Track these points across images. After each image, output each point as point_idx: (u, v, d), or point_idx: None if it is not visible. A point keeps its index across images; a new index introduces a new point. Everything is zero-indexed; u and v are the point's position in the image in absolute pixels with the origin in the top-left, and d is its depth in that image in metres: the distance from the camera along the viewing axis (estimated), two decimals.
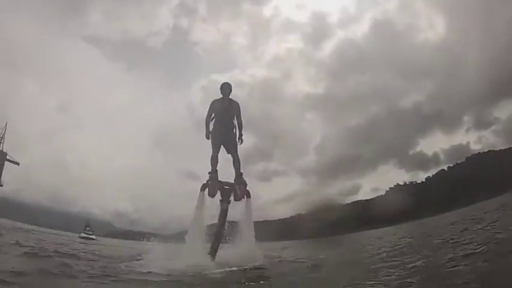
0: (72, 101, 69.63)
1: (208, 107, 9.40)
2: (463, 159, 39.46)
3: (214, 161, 9.09)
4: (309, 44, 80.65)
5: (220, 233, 8.82)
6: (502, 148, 36.66)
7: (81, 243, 19.34)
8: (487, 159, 34.12)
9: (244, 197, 9.13)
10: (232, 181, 9.17)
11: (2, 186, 41.44)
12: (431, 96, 50.97)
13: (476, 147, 42.89)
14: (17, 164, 42.57)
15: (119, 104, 71.33)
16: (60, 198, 50.63)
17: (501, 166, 28.38)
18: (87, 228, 35.02)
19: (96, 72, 69.92)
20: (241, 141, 9.27)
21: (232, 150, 9.18)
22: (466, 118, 48.93)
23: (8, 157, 42.07)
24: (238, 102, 9.47)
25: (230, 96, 9.28)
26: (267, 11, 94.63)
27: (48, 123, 61.83)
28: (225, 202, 8.91)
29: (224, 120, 9.22)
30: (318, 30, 72.60)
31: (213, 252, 8.44)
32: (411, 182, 44.78)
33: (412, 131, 53.57)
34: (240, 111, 9.39)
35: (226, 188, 9.03)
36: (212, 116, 9.27)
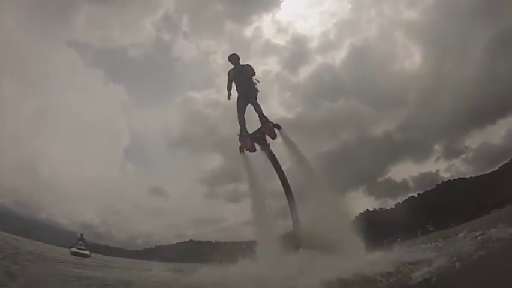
0: (48, 105, 66.34)
1: (227, 76, 10.86)
2: (434, 186, 40.68)
3: (241, 122, 10.43)
4: (286, 68, 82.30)
5: (284, 177, 9.56)
6: (472, 176, 38.28)
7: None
8: (458, 187, 35.36)
9: (274, 132, 9.96)
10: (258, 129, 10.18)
11: None
12: (402, 124, 52.84)
13: (445, 175, 44.32)
14: None
15: (94, 113, 68.84)
16: (26, 204, 46.74)
17: (471, 193, 29.47)
18: (80, 243, 29.45)
19: (74, 79, 67.51)
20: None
21: (252, 100, 10.50)
22: (436, 147, 50.80)
23: None
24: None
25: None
26: (248, 31, 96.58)
27: (22, 126, 58.38)
28: (265, 147, 9.96)
29: (242, 82, 10.62)
30: (297, 55, 74.47)
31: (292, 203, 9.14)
32: (380, 208, 45.24)
33: (382, 158, 54.95)
34: (253, 69, 10.81)
35: (257, 136, 10.08)
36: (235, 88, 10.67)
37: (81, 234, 32.18)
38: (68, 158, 55.70)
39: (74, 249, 26.79)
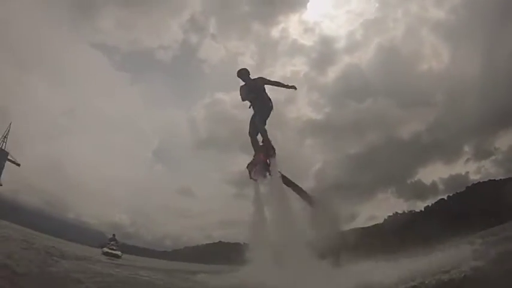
0: (76, 106, 69.96)
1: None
2: (463, 189, 39.44)
3: (255, 145, 9.46)
4: (314, 68, 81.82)
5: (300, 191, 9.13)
6: (502, 178, 36.77)
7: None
8: (488, 189, 34.13)
9: (263, 157, 9.15)
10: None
11: (1, 185, 39.75)
12: (431, 125, 51.41)
13: (475, 177, 42.89)
14: (18, 165, 41.21)
15: (122, 114, 72.06)
16: (55, 203, 49.17)
17: (502, 196, 28.45)
18: (112, 243, 28.34)
19: (102, 80, 70.72)
20: (295, 87, 9.86)
21: (260, 123, 9.38)
22: (466, 148, 49.06)
23: (9, 157, 40.89)
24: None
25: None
26: (275, 32, 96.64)
27: (50, 125, 61.77)
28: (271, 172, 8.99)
29: (253, 99, 9.54)
30: (324, 55, 73.74)
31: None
32: (410, 211, 44.32)
33: (411, 159, 53.64)
34: (265, 78, 9.69)
35: (259, 160, 9.24)
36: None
37: (113, 235, 31.41)
38: (96, 158, 58.16)
39: (105, 249, 26.20)
